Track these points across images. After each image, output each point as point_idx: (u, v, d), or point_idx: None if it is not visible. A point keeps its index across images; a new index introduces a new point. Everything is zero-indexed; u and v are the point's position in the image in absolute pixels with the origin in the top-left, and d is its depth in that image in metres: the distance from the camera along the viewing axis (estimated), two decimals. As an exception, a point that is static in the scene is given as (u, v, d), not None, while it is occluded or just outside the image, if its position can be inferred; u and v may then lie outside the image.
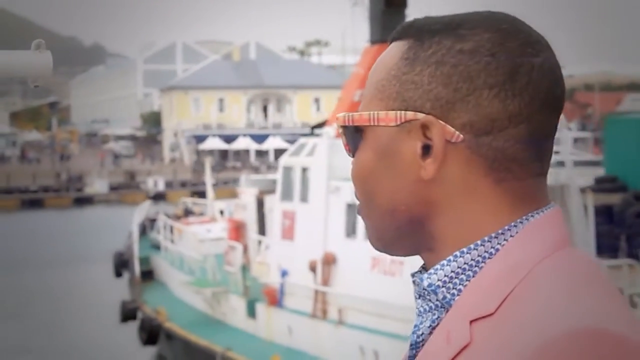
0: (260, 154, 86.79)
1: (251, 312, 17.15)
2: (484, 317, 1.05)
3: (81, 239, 43.49)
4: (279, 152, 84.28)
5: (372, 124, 1.13)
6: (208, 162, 32.16)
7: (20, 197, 65.25)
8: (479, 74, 1.09)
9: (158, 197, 69.15)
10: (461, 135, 1.09)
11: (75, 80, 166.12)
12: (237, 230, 19.79)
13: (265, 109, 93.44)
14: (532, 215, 1.11)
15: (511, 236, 1.10)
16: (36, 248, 40.46)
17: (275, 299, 16.52)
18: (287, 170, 17.20)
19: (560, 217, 1.13)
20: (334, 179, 15.71)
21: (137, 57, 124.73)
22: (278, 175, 17.57)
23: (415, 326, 1.14)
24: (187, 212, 26.00)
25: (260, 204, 19.30)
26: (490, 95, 1.09)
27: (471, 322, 1.06)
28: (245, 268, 18.04)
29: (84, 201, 65.96)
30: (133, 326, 20.83)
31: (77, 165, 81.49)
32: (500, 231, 1.10)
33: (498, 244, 1.10)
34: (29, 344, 22.20)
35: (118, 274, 24.40)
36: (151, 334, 19.33)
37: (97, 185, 67.88)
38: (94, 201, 66.40)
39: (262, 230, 19.09)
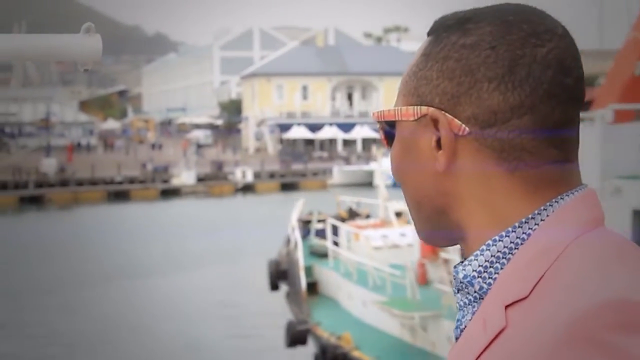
0: (346, 143, 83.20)
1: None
2: (518, 301, 1.07)
3: (184, 237, 40.19)
4: (366, 142, 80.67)
5: (397, 119, 1.17)
6: (380, 154, 28.00)
7: (106, 189, 62.41)
8: (479, 68, 1.12)
9: (247, 189, 66.07)
10: (467, 128, 1.12)
11: (147, 69, 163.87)
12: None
13: (350, 97, 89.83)
14: (561, 198, 1.12)
15: (542, 220, 1.11)
16: (140, 248, 37.22)
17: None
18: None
19: (594, 198, 1.14)
20: (611, 177, 12.02)
21: (213, 44, 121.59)
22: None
23: (457, 320, 1.17)
24: (352, 214, 22.25)
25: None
26: (490, 88, 1.11)
27: (506, 307, 1.07)
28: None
29: (170, 193, 63.00)
30: (303, 352, 17.33)
31: (157, 155, 78.65)
32: (530, 216, 1.11)
33: (529, 229, 1.11)
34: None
35: (274, 286, 20.56)
36: (334, 364, 15.80)
37: (185, 177, 64.78)
38: (181, 193, 63.39)
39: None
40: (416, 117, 1.15)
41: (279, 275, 20.25)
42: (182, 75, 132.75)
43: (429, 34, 1.19)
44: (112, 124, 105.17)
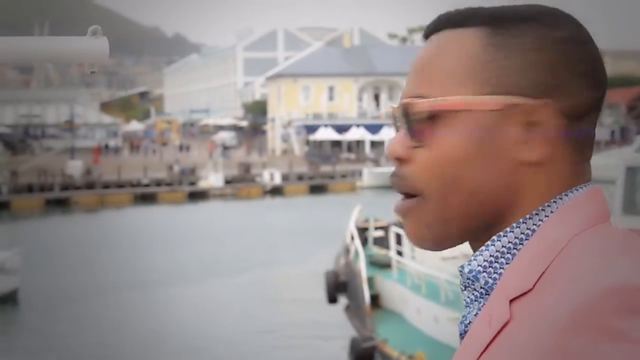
0: (374, 144, 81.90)
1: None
2: (522, 294, 1.07)
3: (217, 241, 38.96)
4: (395, 143, 79.07)
5: (469, 108, 1.13)
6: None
7: (133, 192, 61.29)
8: (575, 62, 1.14)
9: (275, 192, 64.86)
10: (565, 119, 1.14)
11: (168, 70, 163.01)
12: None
13: (377, 98, 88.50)
14: (565, 195, 1.14)
15: (546, 216, 1.12)
16: (182, 253, 35.98)
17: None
18: (634, 171, 12.19)
19: (600, 195, 1.16)
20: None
21: (236, 45, 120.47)
22: (619, 178, 12.39)
23: (463, 317, 1.17)
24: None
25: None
26: (582, 82, 1.14)
27: (511, 301, 1.08)
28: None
29: (197, 195, 61.83)
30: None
31: (182, 156, 77.57)
32: (534, 212, 1.12)
33: (533, 224, 1.12)
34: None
35: (332, 299, 19.15)
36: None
37: (212, 179, 63.59)
38: (209, 196, 62.20)
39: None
40: (499, 107, 1.13)
41: (338, 287, 18.88)
42: (204, 77, 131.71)
43: (459, 25, 1.17)
44: (135, 126, 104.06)
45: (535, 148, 1.13)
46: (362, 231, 20.72)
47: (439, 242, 1.17)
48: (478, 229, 1.15)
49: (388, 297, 17.85)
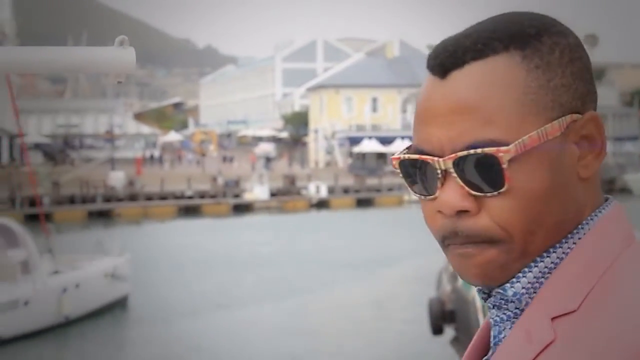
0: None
1: None
2: (566, 314, 1.05)
3: (270, 262, 37.19)
4: (440, 156, 77.24)
5: (543, 141, 1.09)
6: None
7: (177, 204, 59.74)
8: (588, 64, 1.15)
9: (320, 205, 63.13)
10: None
11: (204, 81, 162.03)
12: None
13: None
14: (600, 212, 1.13)
15: (584, 234, 1.11)
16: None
17: None
18: None
19: (624, 211, 1.15)
20: None
21: (274, 56, 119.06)
22: None
23: (494, 337, 1.13)
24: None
25: None
26: (593, 82, 1.15)
27: (552, 319, 1.06)
28: None
29: (242, 208, 60.18)
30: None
31: (225, 168, 76.04)
32: (575, 230, 1.11)
33: (574, 243, 1.11)
34: None
35: (437, 330, 17.25)
36: None
37: (258, 191, 61.94)
38: (254, 208, 60.54)
39: None
40: (563, 130, 1.10)
41: (444, 316, 16.99)
42: (241, 88, 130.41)
43: (479, 57, 1.10)
44: (173, 136, 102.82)
45: (590, 163, 1.12)
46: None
47: (506, 279, 1.12)
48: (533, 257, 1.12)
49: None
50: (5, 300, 21.64)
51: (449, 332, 17.45)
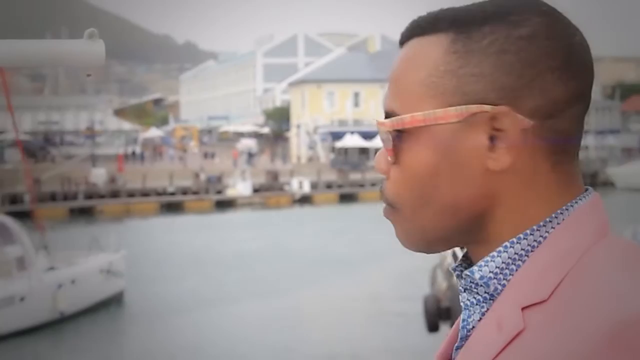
0: (401, 152, 79.92)
1: None
2: (536, 303, 1.06)
3: (259, 258, 36.96)
4: (422, 151, 77.15)
5: (428, 123, 1.12)
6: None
7: (159, 200, 59.35)
8: (540, 59, 1.11)
9: (303, 201, 62.86)
10: (531, 122, 1.11)
11: (184, 77, 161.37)
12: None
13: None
14: (575, 202, 1.13)
15: (558, 224, 1.12)
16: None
17: None
18: None
19: (601, 202, 1.16)
20: None
21: (255, 51, 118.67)
22: None
23: (463, 320, 1.15)
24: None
25: None
26: (553, 78, 1.11)
27: (523, 309, 1.07)
28: None
29: (224, 204, 59.86)
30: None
31: (206, 164, 75.68)
32: (548, 219, 1.12)
33: (546, 232, 1.11)
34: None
35: (433, 327, 17.02)
36: None
37: (241, 187, 61.63)
38: (237, 204, 60.24)
39: None
40: (462, 118, 1.11)
41: (440, 313, 16.78)
42: (222, 83, 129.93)
43: (426, 33, 1.15)
44: (154, 132, 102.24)
45: (500, 156, 1.11)
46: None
47: (421, 247, 1.17)
48: (460, 237, 1.15)
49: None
50: (0, 296, 21.68)
51: (444, 329, 17.29)
